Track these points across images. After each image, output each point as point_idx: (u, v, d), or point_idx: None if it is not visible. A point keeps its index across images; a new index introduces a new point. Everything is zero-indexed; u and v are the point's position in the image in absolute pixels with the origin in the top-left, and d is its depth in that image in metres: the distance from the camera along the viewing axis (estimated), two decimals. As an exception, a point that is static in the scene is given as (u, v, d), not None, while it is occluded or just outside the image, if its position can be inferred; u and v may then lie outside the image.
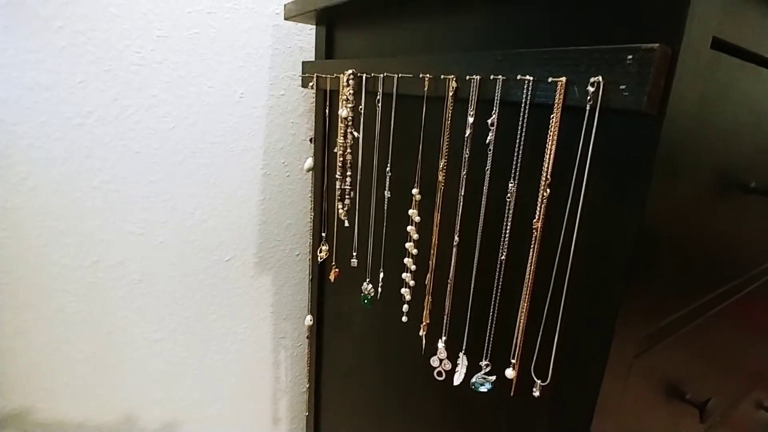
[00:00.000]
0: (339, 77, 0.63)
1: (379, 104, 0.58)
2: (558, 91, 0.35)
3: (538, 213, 0.38)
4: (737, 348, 0.66)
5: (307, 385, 0.92)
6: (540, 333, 0.40)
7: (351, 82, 0.61)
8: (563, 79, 0.35)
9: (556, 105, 0.36)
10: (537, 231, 0.39)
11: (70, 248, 0.69)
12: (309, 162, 0.75)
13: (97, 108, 0.66)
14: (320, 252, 0.75)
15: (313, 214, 0.79)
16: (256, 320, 0.92)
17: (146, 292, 0.77)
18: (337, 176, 0.66)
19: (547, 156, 0.37)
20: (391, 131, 0.57)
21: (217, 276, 0.84)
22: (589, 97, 0.33)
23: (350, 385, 0.78)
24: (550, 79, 0.35)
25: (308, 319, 0.84)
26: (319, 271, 0.81)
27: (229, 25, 0.74)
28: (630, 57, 0.31)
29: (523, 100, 0.38)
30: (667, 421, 0.55)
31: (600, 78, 0.32)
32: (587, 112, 0.34)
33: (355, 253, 0.66)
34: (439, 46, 0.50)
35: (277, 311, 0.94)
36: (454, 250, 0.48)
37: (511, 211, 0.41)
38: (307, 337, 0.88)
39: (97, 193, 0.69)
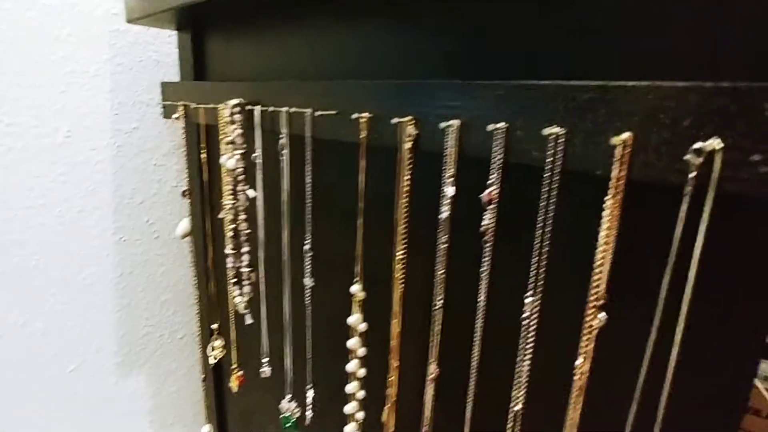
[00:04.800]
0: (218, 109, 0.43)
1: (284, 152, 0.39)
2: (619, 156, 0.20)
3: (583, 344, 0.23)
4: None
5: None
6: None
7: (237, 117, 0.41)
8: (627, 135, 0.20)
9: (614, 177, 0.21)
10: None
11: None
12: (183, 225, 0.53)
13: None
14: (212, 350, 0.53)
15: (198, 297, 0.57)
16: (127, 437, 0.66)
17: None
18: (228, 251, 0.45)
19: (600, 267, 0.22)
20: (308, 191, 0.38)
21: (65, 391, 0.58)
22: (693, 173, 0.19)
23: None
24: (612, 141, 0.21)
25: (206, 429, 0.62)
26: (214, 371, 0.59)
27: (39, 30, 0.49)
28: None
29: (549, 161, 0.23)
30: None
31: (719, 140, 0.18)
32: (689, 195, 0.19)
33: (266, 360, 0.46)
34: (367, 63, 0.33)
35: (159, 418, 0.69)
36: (431, 372, 0.31)
37: (532, 329, 0.26)
38: (206, 453, 0.65)
39: None
